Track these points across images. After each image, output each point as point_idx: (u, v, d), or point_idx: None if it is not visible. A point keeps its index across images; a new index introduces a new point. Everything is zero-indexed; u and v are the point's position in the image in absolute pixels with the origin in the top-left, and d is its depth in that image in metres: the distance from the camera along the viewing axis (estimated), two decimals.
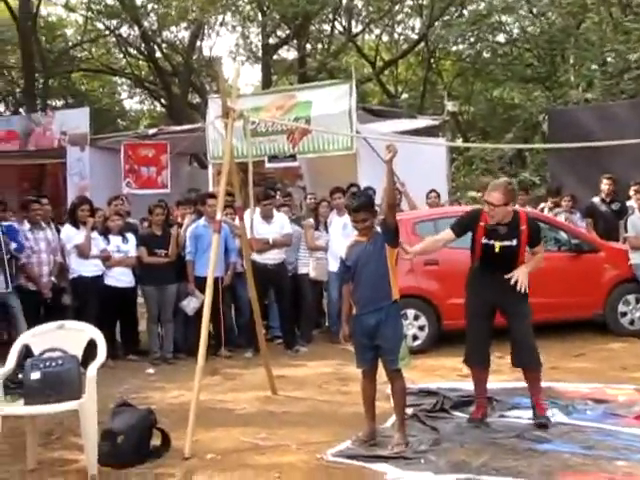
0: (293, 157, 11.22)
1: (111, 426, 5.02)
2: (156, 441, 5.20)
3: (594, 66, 20.19)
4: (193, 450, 5.11)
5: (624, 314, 8.69)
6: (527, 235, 5.37)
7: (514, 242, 5.35)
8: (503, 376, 6.43)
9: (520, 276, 5.28)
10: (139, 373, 8.01)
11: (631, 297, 8.69)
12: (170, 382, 7.42)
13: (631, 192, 9.60)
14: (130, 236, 8.77)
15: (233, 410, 6.34)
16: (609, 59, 19.67)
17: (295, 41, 22.75)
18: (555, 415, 5.47)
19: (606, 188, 9.97)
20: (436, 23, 22.74)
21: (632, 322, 8.70)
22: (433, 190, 10.64)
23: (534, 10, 22.19)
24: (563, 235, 8.82)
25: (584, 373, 6.77)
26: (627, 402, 5.74)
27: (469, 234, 5.49)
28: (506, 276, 5.29)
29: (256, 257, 8.49)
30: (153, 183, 12.81)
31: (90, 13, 22.21)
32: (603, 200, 10.01)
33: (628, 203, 9.62)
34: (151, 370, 8.15)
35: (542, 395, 5.47)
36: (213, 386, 7.10)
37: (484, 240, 5.38)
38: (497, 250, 5.33)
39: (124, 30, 22.73)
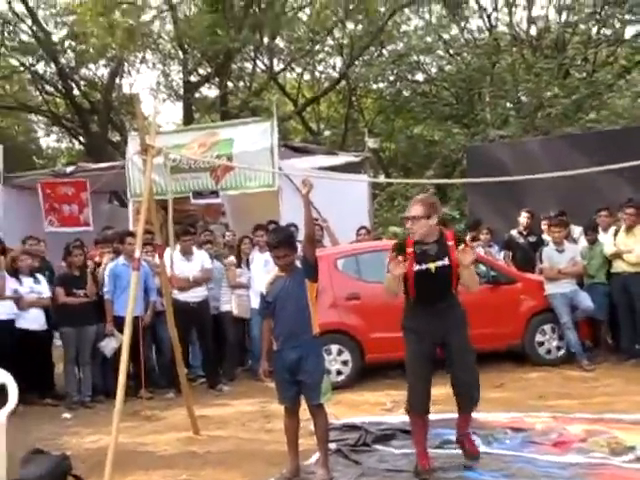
0: (216, 193, 11.17)
1: (21, 476, 4.80)
2: None
3: (509, 104, 20.93)
4: None
5: (541, 344, 8.90)
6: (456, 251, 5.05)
7: (446, 261, 5.02)
8: None
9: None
10: (55, 419, 7.72)
11: (547, 327, 8.92)
12: (88, 426, 7.18)
13: (543, 226, 9.92)
14: (41, 277, 8.52)
15: (154, 452, 6.17)
16: (523, 98, 20.42)
17: (217, 79, 22.78)
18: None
19: (524, 221, 10.24)
20: (356, 62, 23.21)
21: (549, 351, 8.91)
22: (363, 227, 10.78)
23: (451, 51, 22.94)
24: (482, 268, 8.99)
25: (503, 403, 6.87)
26: (545, 430, 5.84)
27: None
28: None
29: (177, 295, 8.39)
30: (75, 221, 12.53)
31: (4, 49, 21.73)
32: (521, 233, 10.28)
33: (544, 236, 9.91)
34: (67, 415, 7.87)
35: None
36: (133, 428, 6.90)
37: (416, 267, 5.03)
38: (433, 271, 4.99)
39: (40, 67, 22.33)
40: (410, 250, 5.08)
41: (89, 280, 8.48)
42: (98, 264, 8.96)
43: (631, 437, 5.46)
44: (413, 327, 5.19)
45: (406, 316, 5.28)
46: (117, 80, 23.47)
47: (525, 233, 10.25)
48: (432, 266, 5.02)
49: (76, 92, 23.04)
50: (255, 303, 8.51)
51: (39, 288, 8.41)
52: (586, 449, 5.30)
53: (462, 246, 5.00)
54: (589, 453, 5.22)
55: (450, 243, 5.07)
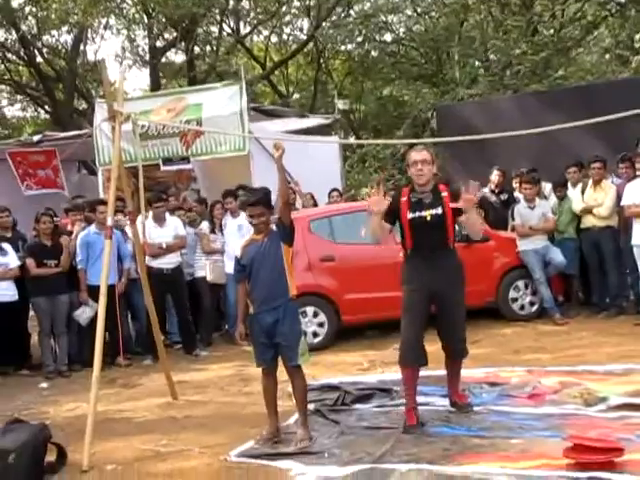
0: (187, 159, 11.07)
1: (1, 445, 4.79)
2: (51, 456, 5.01)
3: (477, 63, 20.90)
4: (91, 462, 4.96)
5: (515, 300, 9.02)
6: (450, 201, 5.13)
7: (439, 210, 5.12)
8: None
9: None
10: (32, 388, 7.72)
11: (520, 283, 9.03)
12: (65, 395, 7.19)
13: (514, 184, 9.97)
14: (6, 246, 8.37)
15: (133, 419, 6.20)
16: (491, 56, 20.38)
17: (183, 44, 22.40)
18: None
19: (496, 179, 10.23)
20: (324, 23, 22.96)
21: (522, 307, 9.04)
22: (335, 189, 10.84)
23: (418, 10, 22.77)
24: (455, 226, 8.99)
25: (479, 359, 6.95)
26: (520, 383, 5.93)
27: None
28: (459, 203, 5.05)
29: (151, 262, 8.36)
30: (52, 183, 12.45)
31: None
32: (492, 191, 10.30)
33: (515, 193, 9.96)
34: (44, 384, 7.86)
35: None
36: (111, 396, 6.92)
37: (410, 215, 5.14)
38: (428, 219, 5.08)
39: (0, 34, 21.78)
40: (404, 199, 5.21)
41: (64, 253, 8.38)
42: (69, 233, 8.88)
43: (603, 387, 5.58)
44: (410, 278, 5.25)
45: (404, 270, 5.34)
46: (81, 47, 22.97)
47: (497, 191, 10.27)
48: (427, 214, 5.12)
49: (39, 60, 22.53)
50: (230, 268, 8.47)
51: (5, 260, 8.28)
52: (560, 401, 5.41)
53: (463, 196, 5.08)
54: (563, 404, 5.33)
55: (444, 194, 5.19)
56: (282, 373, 5.24)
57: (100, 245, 7.62)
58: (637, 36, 15.83)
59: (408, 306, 5.23)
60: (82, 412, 6.04)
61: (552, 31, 20.41)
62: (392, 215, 5.24)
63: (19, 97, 25.92)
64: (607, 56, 20.05)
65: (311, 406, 5.59)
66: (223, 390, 6.95)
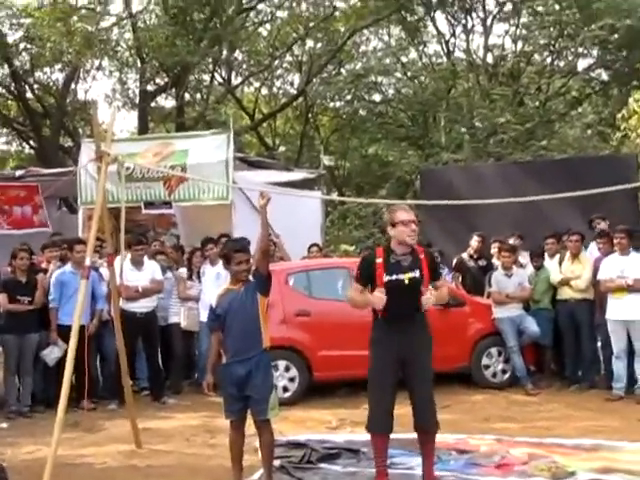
0: (169, 204, 11.07)
1: None
2: None
3: (463, 129, 21.30)
4: None
5: (487, 367, 8.99)
6: (427, 265, 5.08)
7: (417, 273, 5.03)
8: None
9: (428, 296, 4.99)
10: None
11: (494, 350, 9.01)
12: (26, 437, 6.99)
13: (492, 250, 10.03)
14: None
15: (93, 465, 6.05)
16: (477, 123, 20.80)
17: (174, 90, 22.62)
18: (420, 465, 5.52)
19: (475, 245, 10.29)
20: (314, 79, 23.35)
21: (494, 374, 9.00)
22: (315, 244, 10.82)
23: (408, 73, 23.26)
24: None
25: (449, 424, 6.84)
26: (488, 452, 5.89)
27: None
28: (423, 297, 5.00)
29: (124, 305, 8.26)
30: (29, 222, 12.29)
31: None
32: (471, 256, 10.36)
33: (494, 260, 10.02)
34: (4, 425, 7.64)
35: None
36: (73, 440, 6.73)
37: (387, 277, 5.02)
38: (407, 282, 4.99)
39: None
40: (379, 261, 5.09)
41: (39, 290, 8.28)
42: (45, 270, 8.78)
43: (571, 462, 5.55)
44: (379, 341, 5.13)
45: (375, 330, 5.21)
46: (72, 85, 23.09)
47: (475, 257, 10.34)
48: (405, 277, 5.02)
49: (29, 95, 22.60)
50: (204, 316, 8.44)
51: None
52: (528, 472, 5.37)
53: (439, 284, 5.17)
54: (530, 477, 5.29)
55: (422, 256, 5.13)
56: (250, 426, 5.16)
57: (75, 285, 7.51)
58: (619, 115, 16.21)
59: (377, 370, 5.11)
60: (42, 455, 5.88)
61: (537, 103, 20.91)
62: (366, 278, 5.17)
63: (5, 130, 25.90)
64: (589, 132, 20.53)
65: (276, 462, 5.50)
66: (188, 441, 6.82)
